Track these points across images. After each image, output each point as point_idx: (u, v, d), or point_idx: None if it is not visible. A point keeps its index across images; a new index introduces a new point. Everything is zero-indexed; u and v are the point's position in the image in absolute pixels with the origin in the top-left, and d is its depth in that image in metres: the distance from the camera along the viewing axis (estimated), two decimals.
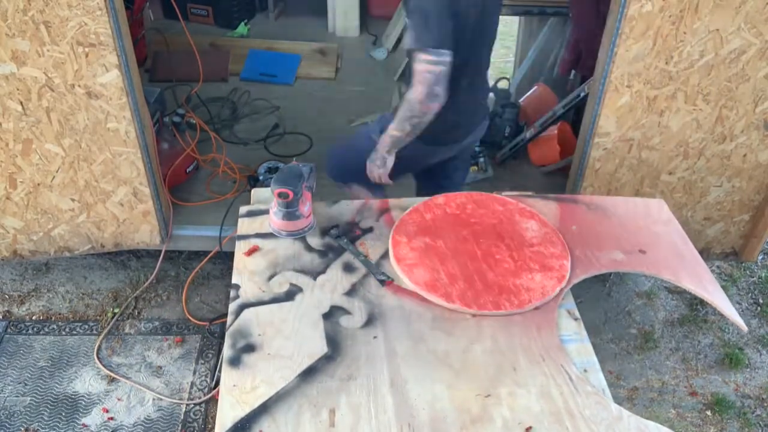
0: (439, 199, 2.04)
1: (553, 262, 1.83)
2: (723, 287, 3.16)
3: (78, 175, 2.52)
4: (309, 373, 1.50)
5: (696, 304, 3.05)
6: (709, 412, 2.62)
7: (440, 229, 1.93)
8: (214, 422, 2.44)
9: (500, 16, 2.22)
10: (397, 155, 2.18)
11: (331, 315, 1.66)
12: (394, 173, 2.24)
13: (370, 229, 1.95)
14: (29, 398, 2.52)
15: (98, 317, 2.85)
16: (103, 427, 2.43)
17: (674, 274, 1.86)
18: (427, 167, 2.43)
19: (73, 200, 2.59)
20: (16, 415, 2.45)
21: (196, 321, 2.83)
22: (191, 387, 2.59)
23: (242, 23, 4.59)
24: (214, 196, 3.03)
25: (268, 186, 2.92)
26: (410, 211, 1.99)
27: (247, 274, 1.78)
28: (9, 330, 2.78)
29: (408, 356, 1.56)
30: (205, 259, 2.88)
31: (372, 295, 1.73)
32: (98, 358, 2.66)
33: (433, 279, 1.75)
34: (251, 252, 1.85)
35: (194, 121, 3.27)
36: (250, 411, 1.42)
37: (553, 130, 3.26)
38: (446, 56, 1.86)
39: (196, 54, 3.42)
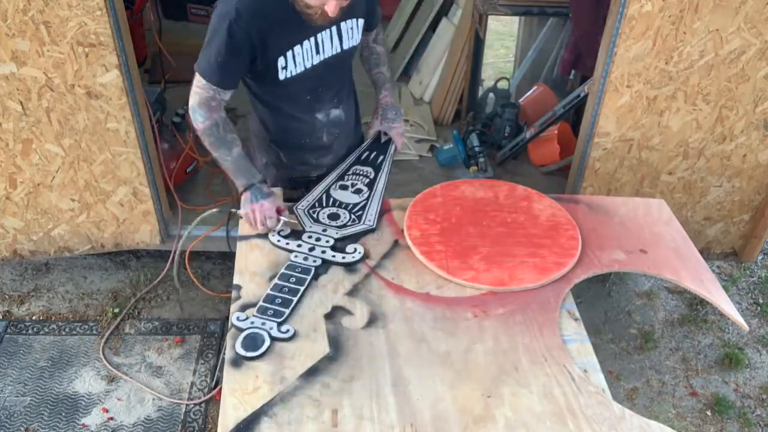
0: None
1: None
2: (723, 287, 3.16)
3: (78, 175, 2.52)
4: (311, 374, 1.50)
5: (696, 304, 3.05)
6: (709, 412, 2.63)
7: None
8: (214, 422, 2.45)
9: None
10: None
11: (333, 315, 1.66)
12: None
13: (372, 230, 1.95)
14: (29, 398, 2.51)
15: (98, 317, 2.84)
16: (103, 427, 2.43)
17: (675, 273, 1.87)
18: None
19: (73, 200, 2.59)
20: (16, 415, 2.45)
21: (217, 294, 2.84)
22: (191, 387, 2.59)
23: None
24: (214, 197, 3.02)
25: None
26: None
27: (249, 274, 1.78)
28: (9, 330, 2.78)
29: (410, 356, 1.56)
30: (193, 243, 2.80)
31: (374, 296, 1.72)
32: (103, 355, 2.65)
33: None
34: None
35: None
36: (252, 412, 1.42)
37: (553, 130, 3.27)
38: (211, 89, 1.79)
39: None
